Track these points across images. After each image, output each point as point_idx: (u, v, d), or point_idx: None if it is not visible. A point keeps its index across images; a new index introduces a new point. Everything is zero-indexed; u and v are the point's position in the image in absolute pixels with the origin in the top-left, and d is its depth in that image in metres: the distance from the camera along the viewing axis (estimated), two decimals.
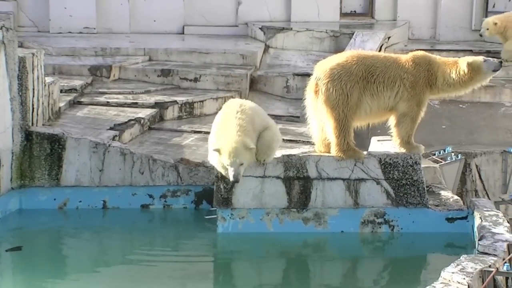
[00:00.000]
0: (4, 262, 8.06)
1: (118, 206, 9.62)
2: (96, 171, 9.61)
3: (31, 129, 9.65)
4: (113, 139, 10.42)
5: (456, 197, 9.29)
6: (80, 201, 9.61)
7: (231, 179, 8.27)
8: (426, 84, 8.82)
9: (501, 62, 8.82)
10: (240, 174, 8.23)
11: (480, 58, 8.85)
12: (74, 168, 9.58)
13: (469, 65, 8.73)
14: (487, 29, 13.63)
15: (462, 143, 11.56)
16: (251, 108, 8.63)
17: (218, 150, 8.29)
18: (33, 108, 9.87)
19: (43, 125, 10.25)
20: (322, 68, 8.73)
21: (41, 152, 9.56)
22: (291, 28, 14.93)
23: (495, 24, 13.58)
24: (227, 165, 8.25)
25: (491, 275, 6.70)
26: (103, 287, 7.48)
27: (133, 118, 11.51)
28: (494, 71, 8.80)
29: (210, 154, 8.57)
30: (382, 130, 9.44)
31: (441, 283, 6.52)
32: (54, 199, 9.57)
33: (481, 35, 13.91)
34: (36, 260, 8.18)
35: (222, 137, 8.33)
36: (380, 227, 8.90)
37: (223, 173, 8.47)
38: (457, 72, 8.79)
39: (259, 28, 15.22)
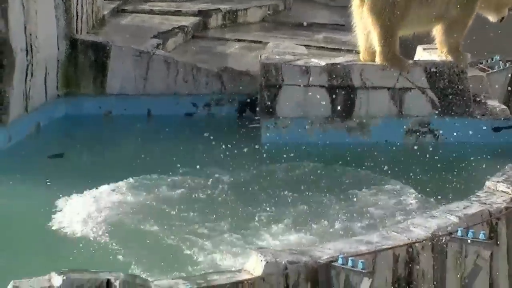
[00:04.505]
0: (47, 168, 8.19)
1: (162, 115, 9.67)
2: (140, 79, 9.64)
3: (75, 37, 9.67)
4: (157, 47, 10.40)
5: (503, 106, 9.18)
6: (125, 109, 9.68)
7: None
8: None
9: None
10: None
11: None
12: (118, 76, 9.62)
13: None
14: None
15: (511, 51, 11.33)
16: None
17: None
18: (77, 16, 9.87)
19: (87, 33, 10.27)
20: None
21: (85, 60, 9.60)
22: None
23: None
24: None
25: None
26: (144, 194, 7.58)
27: (176, 26, 11.46)
28: None
29: None
30: (428, 39, 9.29)
31: (485, 192, 6.49)
32: (100, 107, 9.65)
33: None
34: (79, 166, 8.29)
35: None
36: (424, 137, 8.85)
37: None
38: None
39: None
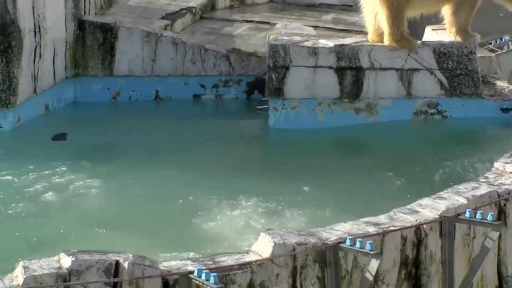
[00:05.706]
0: (51, 149, 8.21)
1: (170, 96, 9.68)
2: (148, 60, 9.63)
3: (83, 18, 9.66)
4: (165, 28, 10.40)
5: (511, 87, 9.15)
6: (133, 91, 9.69)
7: None
8: None
9: None
10: None
11: None
12: (126, 57, 9.62)
13: None
14: None
15: None
16: None
17: None
18: None
19: (95, 14, 10.25)
20: None
21: (93, 41, 9.59)
22: None
23: None
24: None
25: None
26: (152, 176, 7.59)
27: (184, 7, 11.44)
28: None
29: None
30: (436, 19, 9.26)
31: (493, 173, 6.48)
32: (108, 89, 9.65)
33: None
34: (86, 147, 8.31)
35: None
36: (433, 118, 8.84)
37: None
38: None
39: None
